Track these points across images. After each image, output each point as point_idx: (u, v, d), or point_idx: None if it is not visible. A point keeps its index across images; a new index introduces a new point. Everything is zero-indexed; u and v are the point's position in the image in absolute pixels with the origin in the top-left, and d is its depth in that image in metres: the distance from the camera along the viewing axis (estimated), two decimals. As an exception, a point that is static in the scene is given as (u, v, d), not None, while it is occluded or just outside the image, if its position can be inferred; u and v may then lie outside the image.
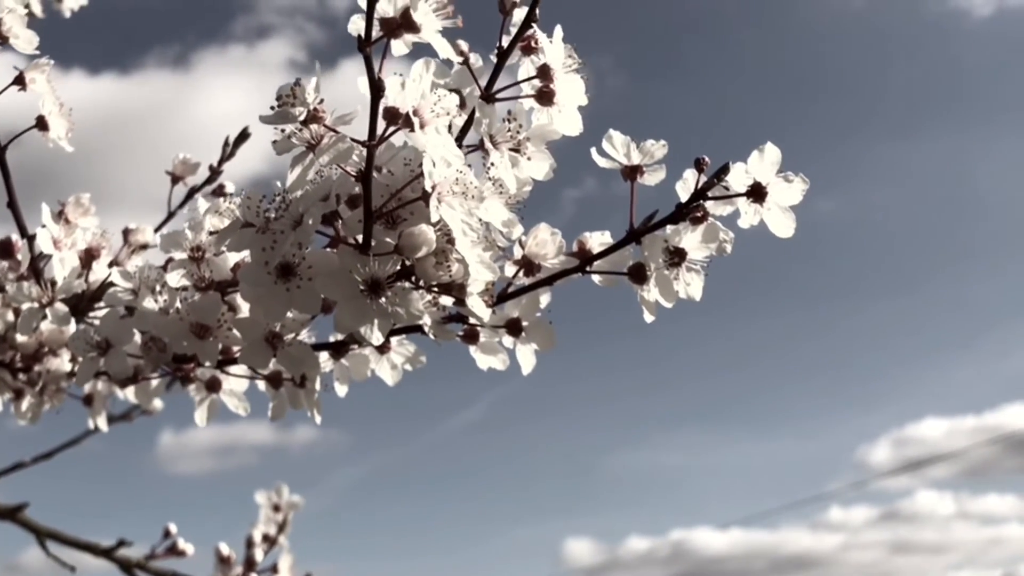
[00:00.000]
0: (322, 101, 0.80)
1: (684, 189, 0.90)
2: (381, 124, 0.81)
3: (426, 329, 0.90)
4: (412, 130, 0.77)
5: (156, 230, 1.33)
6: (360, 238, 0.85)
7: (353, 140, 0.80)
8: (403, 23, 0.78)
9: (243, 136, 1.41)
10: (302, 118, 0.80)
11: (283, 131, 0.82)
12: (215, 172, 1.41)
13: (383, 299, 0.83)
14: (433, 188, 0.79)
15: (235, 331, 0.96)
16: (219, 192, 1.41)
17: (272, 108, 0.81)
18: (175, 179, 1.40)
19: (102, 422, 1.31)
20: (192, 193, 1.40)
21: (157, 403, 1.67)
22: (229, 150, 1.41)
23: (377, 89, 0.76)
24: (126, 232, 1.32)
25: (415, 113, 0.77)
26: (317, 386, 1.03)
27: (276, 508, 1.70)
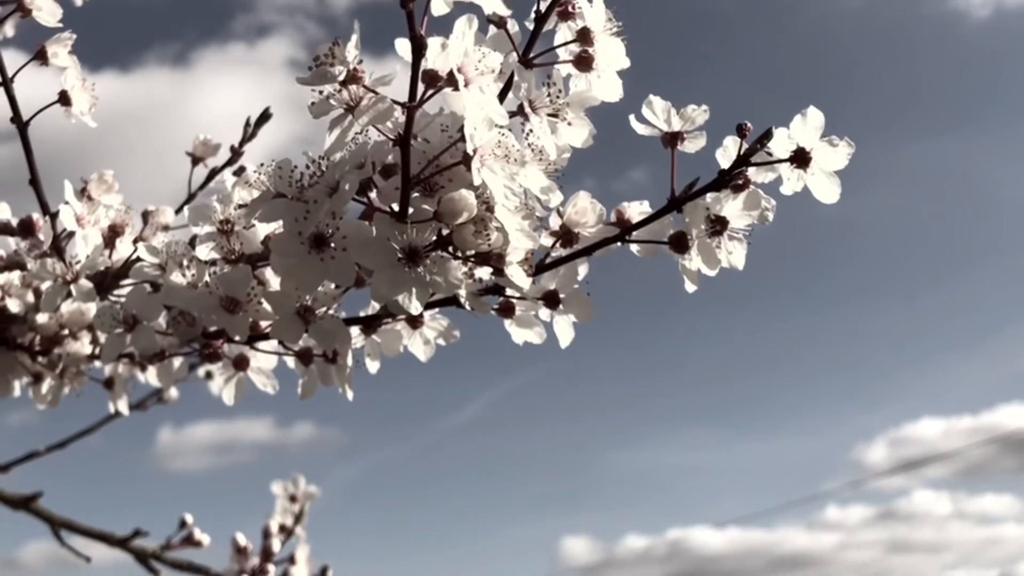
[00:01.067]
0: (361, 61, 0.78)
1: (725, 157, 0.89)
2: (421, 87, 0.79)
3: (462, 300, 0.88)
4: (456, 88, 0.75)
5: (176, 212, 1.32)
6: (396, 207, 0.83)
7: (394, 101, 0.78)
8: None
9: (264, 117, 1.40)
10: (341, 78, 0.78)
11: (321, 92, 0.80)
12: (236, 153, 1.39)
13: (421, 268, 0.81)
14: (475, 151, 0.77)
15: (265, 305, 0.94)
16: (239, 174, 1.39)
17: (310, 68, 0.79)
18: (196, 160, 1.39)
19: (123, 406, 1.29)
20: (212, 175, 1.39)
21: (173, 392, 1.67)
22: (250, 131, 1.39)
23: (419, 47, 0.74)
24: (146, 214, 1.30)
25: (459, 71, 0.76)
26: (349, 361, 1.01)
27: (293, 499, 1.68)
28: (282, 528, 1.65)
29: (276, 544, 1.62)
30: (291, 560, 1.63)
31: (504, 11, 0.84)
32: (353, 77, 0.79)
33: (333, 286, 0.92)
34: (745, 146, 0.87)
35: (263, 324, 0.99)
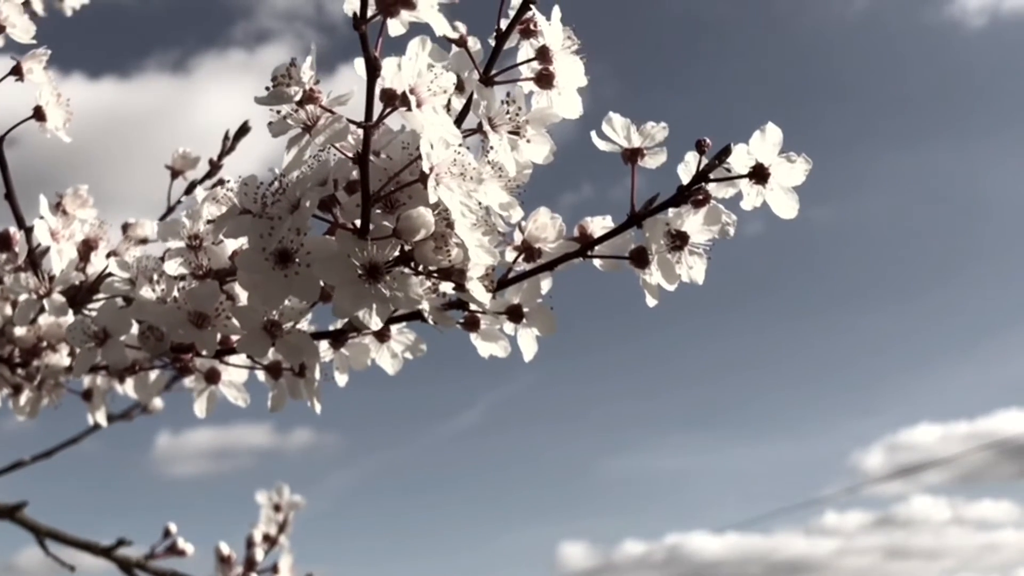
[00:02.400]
0: (318, 82, 0.79)
1: (686, 172, 0.89)
2: (378, 107, 0.80)
3: (426, 315, 0.89)
4: (409, 109, 0.76)
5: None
6: (358, 223, 0.84)
7: (350, 121, 0.79)
8: (400, 0, 0.77)
9: (243, 130, 1.41)
10: (297, 98, 0.79)
11: (279, 112, 0.82)
12: (215, 166, 1.40)
13: (382, 284, 0.82)
14: (431, 169, 0.78)
15: (233, 320, 0.95)
16: (219, 186, 1.40)
17: (267, 89, 0.80)
18: (175, 173, 1.40)
19: (101, 417, 1.30)
20: (192, 187, 1.40)
21: (157, 402, 1.68)
22: (229, 144, 1.40)
23: (373, 68, 0.75)
24: (125, 226, 1.31)
25: (412, 91, 0.77)
26: (317, 375, 1.02)
27: (277, 508, 1.69)
28: (266, 537, 1.66)
29: (259, 553, 1.63)
30: (274, 569, 1.64)
31: (452, 33, 0.85)
32: (310, 97, 0.80)
33: (299, 301, 0.92)
34: (704, 161, 0.88)
35: (233, 338, 1.00)
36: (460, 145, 0.80)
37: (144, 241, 1.30)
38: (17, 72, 1.12)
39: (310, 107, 0.80)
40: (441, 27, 0.81)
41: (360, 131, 0.79)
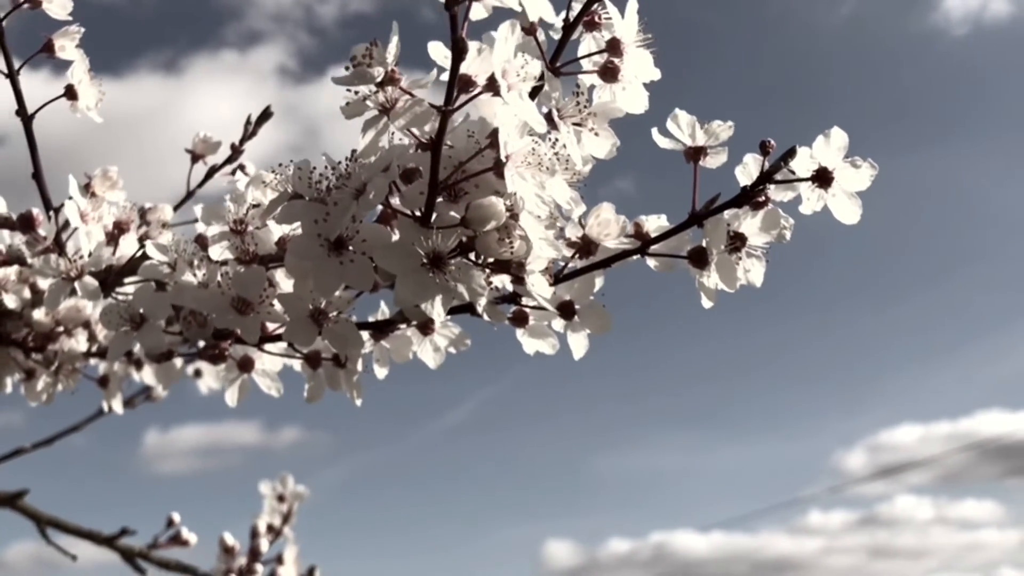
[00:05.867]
0: (398, 63, 0.78)
1: (745, 174, 0.89)
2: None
3: (479, 308, 0.88)
4: (497, 93, 0.75)
5: (175, 209, 1.30)
6: (419, 212, 0.82)
7: (431, 105, 0.78)
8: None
9: (265, 115, 1.38)
10: (379, 79, 0.78)
11: (356, 93, 0.80)
12: (236, 151, 1.37)
13: (446, 273, 0.81)
14: (508, 158, 0.77)
15: (278, 306, 0.93)
16: (240, 172, 1.38)
17: (347, 68, 0.78)
18: (195, 158, 1.37)
19: (117, 405, 1.28)
20: (212, 173, 1.37)
21: (160, 390, 1.64)
22: (251, 129, 1.38)
23: (460, 51, 0.74)
24: (143, 211, 1.28)
25: (503, 75, 0.75)
26: (359, 367, 1.00)
27: (280, 498, 1.67)
28: (270, 528, 1.64)
29: (264, 544, 1.61)
30: (279, 560, 1.61)
31: (552, 17, 0.84)
32: (391, 79, 0.78)
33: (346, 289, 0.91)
34: (767, 163, 0.87)
35: (271, 326, 0.98)
36: (538, 135, 0.78)
37: (165, 225, 1.28)
38: (48, 49, 1.10)
39: (390, 89, 0.78)
40: (536, 10, 0.80)
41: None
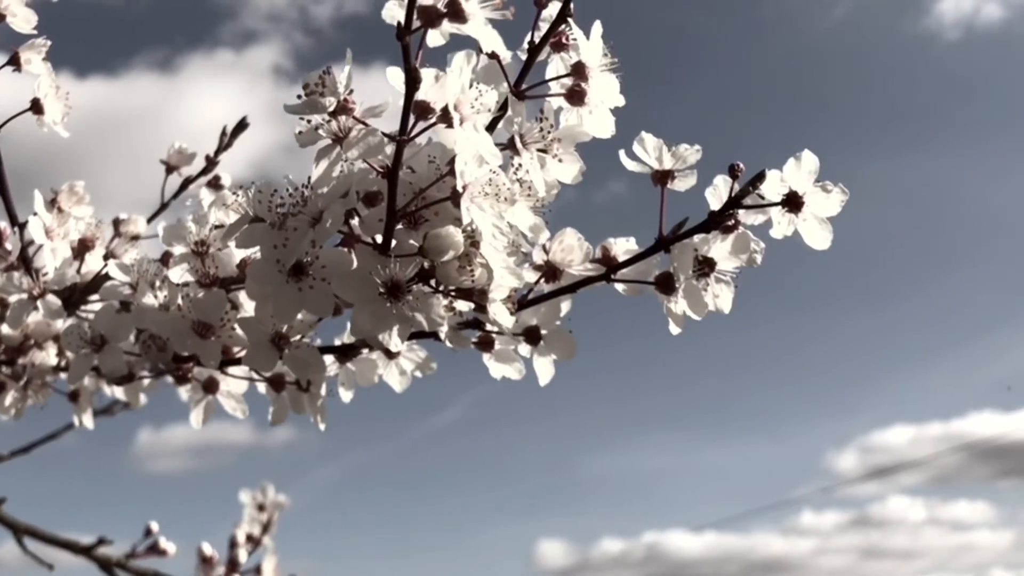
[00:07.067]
0: (352, 92, 0.76)
1: (715, 197, 0.87)
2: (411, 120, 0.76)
3: (442, 336, 0.86)
4: (450, 125, 0.73)
5: (149, 221, 1.28)
6: (378, 238, 0.81)
7: (384, 134, 0.76)
8: (449, 12, 0.73)
9: (241, 126, 1.37)
10: (331, 108, 0.76)
11: (308, 122, 0.78)
12: (211, 163, 1.36)
13: (403, 303, 0.79)
14: (465, 188, 0.75)
15: (239, 330, 0.91)
16: (215, 183, 1.36)
17: (299, 97, 0.76)
18: (170, 168, 1.35)
19: (88, 420, 1.26)
20: (187, 183, 1.35)
21: (141, 398, 1.63)
22: (226, 140, 1.36)
23: (413, 80, 0.72)
24: (116, 222, 1.26)
25: (456, 107, 0.73)
26: (323, 391, 0.99)
27: (261, 508, 1.65)
28: (249, 538, 1.63)
29: (243, 554, 1.60)
30: (257, 571, 1.60)
31: (503, 51, 0.82)
32: (343, 108, 0.76)
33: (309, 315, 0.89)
34: (736, 187, 0.85)
35: (235, 349, 0.97)
36: (497, 164, 0.76)
37: (137, 238, 1.26)
38: (15, 62, 1.08)
39: (343, 118, 0.77)
40: (491, 43, 0.78)
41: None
